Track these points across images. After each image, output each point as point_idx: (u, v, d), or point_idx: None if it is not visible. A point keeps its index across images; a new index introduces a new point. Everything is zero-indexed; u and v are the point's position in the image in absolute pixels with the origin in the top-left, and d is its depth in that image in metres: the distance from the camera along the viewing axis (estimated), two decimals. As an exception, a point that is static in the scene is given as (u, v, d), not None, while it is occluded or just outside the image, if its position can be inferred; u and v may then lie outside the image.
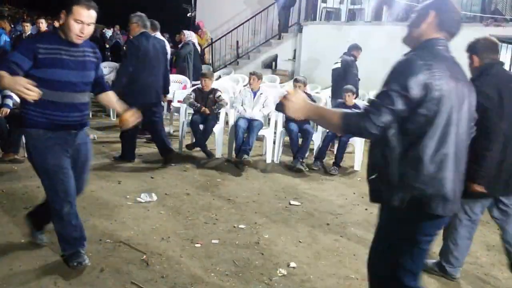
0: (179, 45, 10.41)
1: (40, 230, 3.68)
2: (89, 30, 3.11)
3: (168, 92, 6.74)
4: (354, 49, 8.16)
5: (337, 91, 7.77)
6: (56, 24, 12.40)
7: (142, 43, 5.92)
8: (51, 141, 3.17)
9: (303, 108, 2.24)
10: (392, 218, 2.26)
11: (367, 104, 2.12)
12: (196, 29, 13.67)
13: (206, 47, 13.61)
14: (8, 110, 5.72)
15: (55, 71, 3.06)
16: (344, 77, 7.82)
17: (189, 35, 10.82)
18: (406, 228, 2.23)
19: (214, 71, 12.35)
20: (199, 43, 13.38)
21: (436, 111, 2.08)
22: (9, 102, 5.80)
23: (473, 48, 3.45)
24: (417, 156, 2.11)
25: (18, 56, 2.97)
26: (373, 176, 2.26)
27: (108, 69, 10.07)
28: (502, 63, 3.52)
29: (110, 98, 3.64)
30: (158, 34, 7.32)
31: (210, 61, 14.14)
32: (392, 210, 2.22)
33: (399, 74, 2.09)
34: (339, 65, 8.04)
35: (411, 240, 2.24)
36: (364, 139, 6.84)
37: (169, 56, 7.53)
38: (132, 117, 3.42)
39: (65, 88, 3.13)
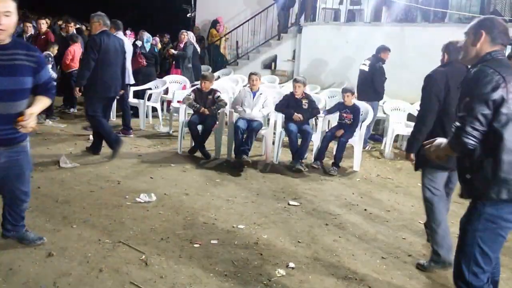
0: (181, 46, 10.36)
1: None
2: (7, 21, 2.85)
3: (124, 88, 7.24)
4: (382, 51, 8.05)
5: (361, 93, 7.87)
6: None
7: (103, 40, 6.28)
8: None
9: (441, 151, 2.66)
10: (483, 211, 2.57)
11: (458, 121, 2.47)
12: (214, 24, 13.61)
13: (218, 40, 13.66)
14: None
15: None
16: (371, 80, 7.87)
17: (190, 36, 10.85)
18: (495, 219, 2.57)
19: (214, 71, 12.37)
20: (216, 38, 13.35)
21: None
22: None
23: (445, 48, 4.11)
24: (505, 151, 2.45)
25: None
26: (468, 176, 2.59)
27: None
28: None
29: (34, 100, 3.17)
30: (120, 34, 7.66)
31: (209, 62, 14.15)
32: (484, 204, 2.56)
33: (477, 84, 2.44)
34: (366, 68, 8.01)
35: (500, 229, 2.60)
36: (363, 140, 6.87)
37: (130, 55, 7.96)
38: (30, 123, 2.99)
39: None
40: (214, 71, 12.56)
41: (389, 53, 8.08)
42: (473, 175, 2.57)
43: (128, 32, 11.08)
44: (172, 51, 10.43)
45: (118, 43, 6.60)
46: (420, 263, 3.86)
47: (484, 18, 2.72)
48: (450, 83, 3.73)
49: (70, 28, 10.29)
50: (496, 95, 2.39)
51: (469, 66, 2.78)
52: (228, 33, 13.93)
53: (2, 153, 3.07)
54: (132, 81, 8.26)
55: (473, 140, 2.42)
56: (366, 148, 7.92)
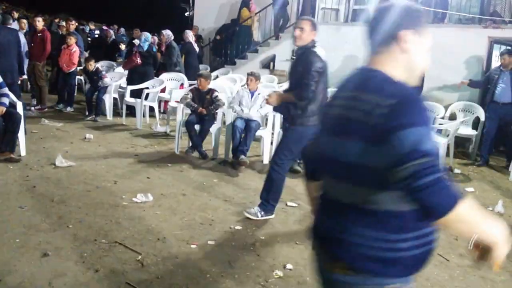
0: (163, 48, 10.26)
1: None
2: None
3: (23, 73, 8.34)
4: None
5: None
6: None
7: None
8: None
9: None
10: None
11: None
12: (246, 2, 13.34)
13: (248, 19, 13.35)
14: (4, 109, 5.68)
15: None
16: None
17: (190, 35, 10.80)
18: None
19: (212, 71, 12.33)
20: (247, 17, 13.21)
21: None
22: (5, 100, 5.76)
23: None
24: None
25: None
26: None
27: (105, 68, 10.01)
28: None
29: None
30: (14, 25, 8.61)
31: (208, 61, 14.11)
32: None
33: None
34: None
35: None
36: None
37: (24, 46, 8.49)
38: None
39: None
40: (241, 53, 12.68)
41: None
42: None
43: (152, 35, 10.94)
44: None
45: (11, 33, 7.39)
46: None
47: None
48: None
49: (71, 26, 10.25)
50: None
51: None
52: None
53: None
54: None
55: None
56: None
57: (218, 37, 13.50)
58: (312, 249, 1.82)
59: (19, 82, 7.69)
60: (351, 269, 1.61)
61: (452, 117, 8.25)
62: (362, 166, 1.55)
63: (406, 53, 1.63)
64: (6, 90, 5.85)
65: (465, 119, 8.15)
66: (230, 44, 13.40)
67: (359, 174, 1.57)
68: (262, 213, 4.56)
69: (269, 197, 4.56)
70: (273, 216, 4.65)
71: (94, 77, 9.10)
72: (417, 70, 1.69)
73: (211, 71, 12.44)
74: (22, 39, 8.39)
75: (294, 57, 4.55)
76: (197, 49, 11.24)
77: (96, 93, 9.00)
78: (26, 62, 8.68)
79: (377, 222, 1.57)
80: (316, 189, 1.88)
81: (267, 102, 4.73)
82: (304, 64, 4.32)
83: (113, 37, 14.09)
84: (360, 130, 1.53)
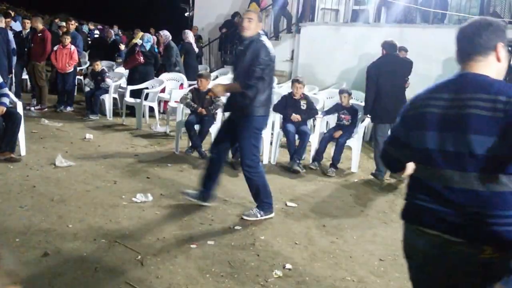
0: (161, 49, 10.26)
1: None
2: None
3: (11, 72, 8.56)
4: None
5: None
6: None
7: None
8: None
9: None
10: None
11: None
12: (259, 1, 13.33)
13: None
14: (5, 109, 5.69)
15: None
16: None
17: (190, 36, 10.79)
18: None
19: (211, 71, 12.32)
20: None
21: None
22: (6, 100, 5.77)
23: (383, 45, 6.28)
24: None
25: None
26: None
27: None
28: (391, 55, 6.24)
29: None
30: (16, 25, 8.87)
31: (208, 61, 14.10)
32: None
33: None
34: None
35: None
36: (361, 141, 6.84)
37: (12, 44, 8.75)
38: None
39: None
40: None
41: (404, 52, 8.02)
42: None
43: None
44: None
45: (0, 34, 7.81)
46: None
47: None
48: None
49: (71, 26, 10.25)
50: None
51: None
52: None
53: None
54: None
55: None
56: None
57: (224, 30, 13.40)
58: (434, 237, 1.96)
59: (7, 81, 7.89)
60: (500, 251, 1.82)
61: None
62: (493, 156, 1.81)
63: (500, 62, 1.98)
64: (6, 90, 5.88)
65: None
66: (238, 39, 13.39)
67: (490, 163, 1.82)
68: (262, 212, 4.57)
69: (261, 197, 4.59)
70: (273, 215, 4.66)
71: (98, 77, 9.14)
72: (502, 76, 2.02)
73: (218, 68, 12.47)
74: (11, 37, 8.67)
75: (241, 48, 4.49)
76: (196, 49, 11.24)
77: (94, 93, 9.03)
78: (14, 60, 8.85)
79: None
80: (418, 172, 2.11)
81: (212, 93, 4.83)
82: (253, 54, 4.31)
83: (114, 37, 14.10)
84: (485, 125, 1.80)
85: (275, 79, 10.95)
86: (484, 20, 2.03)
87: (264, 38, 4.44)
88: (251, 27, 4.40)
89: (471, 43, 2.01)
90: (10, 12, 13.13)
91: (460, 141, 1.86)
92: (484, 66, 1.96)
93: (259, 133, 4.60)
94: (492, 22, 2.00)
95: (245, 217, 4.56)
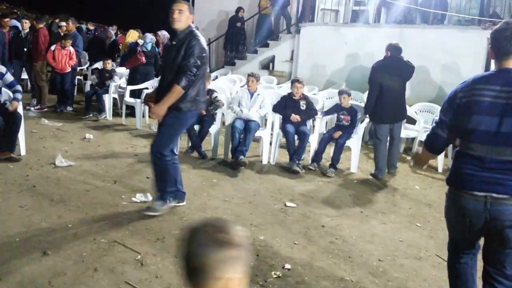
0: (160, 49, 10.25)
1: None
2: None
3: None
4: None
5: None
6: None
7: None
8: None
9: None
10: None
11: None
12: None
13: (265, 8, 13.21)
14: (18, 104, 5.77)
15: None
16: None
17: (166, 36, 10.74)
18: None
19: (211, 71, 12.32)
20: (264, 6, 13.05)
21: None
22: (19, 96, 5.85)
23: (388, 47, 6.43)
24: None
25: None
26: None
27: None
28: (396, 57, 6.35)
29: None
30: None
31: (255, 36, 14.01)
32: None
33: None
34: None
35: None
36: (360, 141, 6.86)
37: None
38: None
39: None
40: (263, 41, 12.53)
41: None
42: None
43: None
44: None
45: None
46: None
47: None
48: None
49: (71, 26, 10.25)
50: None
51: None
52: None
53: None
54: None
55: None
56: None
57: (238, 24, 13.25)
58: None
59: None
60: None
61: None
62: None
63: None
64: (19, 87, 6.00)
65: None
66: (243, 36, 13.40)
67: None
68: (165, 202, 4.50)
69: (165, 185, 4.49)
70: (184, 203, 4.68)
71: (106, 75, 9.20)
72: None
73: (219, 68, 12.46)
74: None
75: (174, 42, 4.30)
76: None
77: (97, 91, 9.05)
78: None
79: None
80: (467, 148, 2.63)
81: (156, 117, 4.39)
82: (188, 50, 4.17)
83: (114, 37, 14.10)
84: None
85: (275, 79, 11.04)
86: None
87: (198, 33, 4.31)
88: (182, 19, 4.24)
89: (510, 43, 2.54)
90: (16, 11, 13.11)
91: (507, 125, 2.47)
92: None
93: (183, 127, 4.57)
94: None
95: (149, 213, 4.42)
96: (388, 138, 6.51)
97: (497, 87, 2.49)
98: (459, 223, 2.74)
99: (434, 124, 2.84)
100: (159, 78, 4.86)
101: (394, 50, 6.36)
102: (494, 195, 2.51)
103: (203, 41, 4.29)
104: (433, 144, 2.90)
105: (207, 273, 1.31)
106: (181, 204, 4.70)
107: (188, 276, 1.36)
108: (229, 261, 1.31)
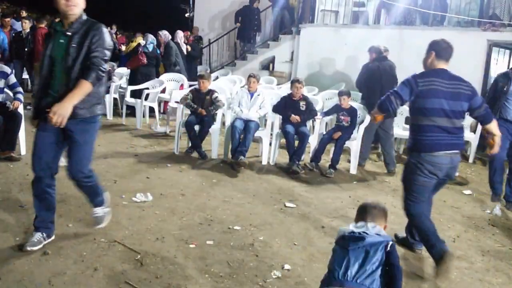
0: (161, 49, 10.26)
1: None
2: None
3: None
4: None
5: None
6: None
7: None
8: None
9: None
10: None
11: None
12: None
13: None
14: (20, 104, 5.79)
15: None
16: None
17: (179, 37, 10.78)
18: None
19: (212, 71, 12.34)
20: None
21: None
22: (21, 96, 5.87)
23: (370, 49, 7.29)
24: None
25: None
26: None
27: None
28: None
29: None
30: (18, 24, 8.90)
31: (208, 62, 14.11)
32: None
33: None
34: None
35: None
36: (360, 142, 6.86)
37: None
38: None
39: None
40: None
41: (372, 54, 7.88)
42: None
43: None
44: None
45: None
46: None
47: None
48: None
49: None
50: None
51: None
52: (227, 33, 13.90)
53: None
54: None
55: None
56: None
57: (256, 4, 12.96)
58: None
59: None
60: None
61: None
62: (464, 111, 3.88)
63: None
64: (20, 89, 6.01)
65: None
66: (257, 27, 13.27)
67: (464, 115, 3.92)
68: (104, 208, 4.00)
69: (98, 196, 3.92)
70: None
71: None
72: None
73: (230, 64, 12.46)
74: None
75: (69, 33, 3.38)
76: (185, 50, 11.12)
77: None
78: None
79: None
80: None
81: (59, 120, 3.26)
82: (95, 40, 3.39)
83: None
84: (467, 97, 3.85)
85: (275, 80, 11.05)
86: None
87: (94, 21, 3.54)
88: (79, 3, 3.44)
89: (451, 53, 3.98)
90: (22, 11, 13.06)
91: (459, 105, 3.81)
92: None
93: (95, 136, 3.72)
94: None
95: (97, 226, 4.00)
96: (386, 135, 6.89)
97: (445, 80, 3.80)
98: (427, 176, 3.80)
99: (391, 93, 3.86)
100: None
101: (378, 52, 7.14)
102: (454, 151, 3.83)
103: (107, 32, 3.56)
104: (385, 107, 3.89)
105: None
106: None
107: None
108: None
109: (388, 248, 2.48)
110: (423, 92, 3.74)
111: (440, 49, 3.95)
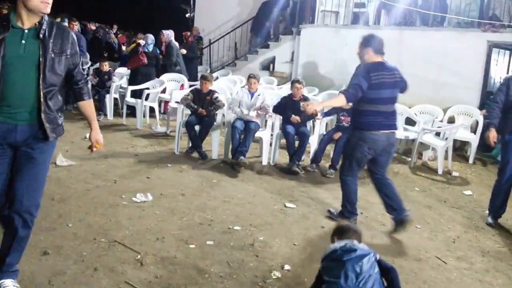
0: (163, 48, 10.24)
1: None
2: None
3: None
4: None
5: None
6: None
7: None
8: None
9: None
10: None
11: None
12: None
13: None
14: None
15: None
16: None
17: (170, 35, 10.76)
18: None
19: (212, 71, 12.34)
20: None
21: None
22: None
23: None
24: None
25: None
26: None
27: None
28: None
29: None
30: None
31: (208, 62, 14.11)
32: None
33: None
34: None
35: None
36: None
37: None
38: None
39: None
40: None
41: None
42: None
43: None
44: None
45: None
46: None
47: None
48: None
49: (74, 26, 10.25)
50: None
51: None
52: (227, 34, 13.89)
53: None
54: None
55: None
56: None
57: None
58: None
59: None
60: None
61: (451, 120, 8.28)
62: (396, 97, 4.56)
63: None
64: None
65: (464, 122, 8.18)
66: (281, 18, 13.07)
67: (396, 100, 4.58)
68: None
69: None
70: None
71: (105, 77, 9.24)
72: None
73: (211, 72, 12.44)
74: None
75: (43, 32, 2.74)
76: (182, 51, 11.07)
77: (99, 92, 9.07)
78: None
79: None
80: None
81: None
82: (70, 41, 2.89)
83: (114, 40, 14.13)
84: (398, 84, 4.48)
85: (275, 80, 11.06)
86: None
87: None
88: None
89: (383, 45, 4.47)
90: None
91: (395, 93, 4.45)
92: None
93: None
94: None
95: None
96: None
97: (388, 72, 4.41)
98: (365, 151, 4.45)
99: (354, 87, 4.32)
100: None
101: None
102: (391, 131, 4.48)
103: None
104: (353, 95, 4.37)
105: None
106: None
107: None
108: None
109: (378, 257, 2.72)
110: (374, 85, 4.30)
111: (376, 45, 4.44)
